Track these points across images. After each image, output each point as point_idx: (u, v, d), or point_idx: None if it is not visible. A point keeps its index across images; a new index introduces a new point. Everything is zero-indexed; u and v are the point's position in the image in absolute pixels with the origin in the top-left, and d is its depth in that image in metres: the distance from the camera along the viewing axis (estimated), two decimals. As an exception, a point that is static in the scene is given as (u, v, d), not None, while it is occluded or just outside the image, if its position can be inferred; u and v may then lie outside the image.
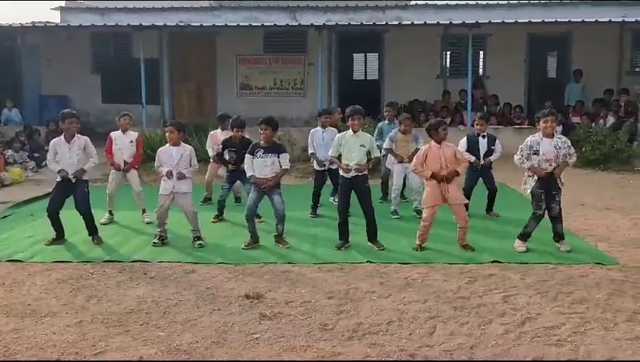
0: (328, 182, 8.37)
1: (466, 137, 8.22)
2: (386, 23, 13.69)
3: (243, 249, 6.57)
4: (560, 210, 6.45)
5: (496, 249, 6.54)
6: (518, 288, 5.36)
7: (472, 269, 5.90)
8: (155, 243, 6.77)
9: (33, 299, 5.13)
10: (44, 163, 11.95)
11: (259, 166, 6.57)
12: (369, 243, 6.63)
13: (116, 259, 6.27)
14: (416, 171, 6.73)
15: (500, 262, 6.10)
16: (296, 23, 14.37)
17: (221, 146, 7.95)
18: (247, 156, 6.65)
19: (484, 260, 6.17)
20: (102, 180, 10.11)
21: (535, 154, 6.34)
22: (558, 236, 6.55)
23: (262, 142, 6.61)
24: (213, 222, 7.86)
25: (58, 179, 6.82)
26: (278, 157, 6.58)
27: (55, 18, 16.67)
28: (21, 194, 9.81)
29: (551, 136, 6.35)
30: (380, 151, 8.47)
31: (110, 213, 7.92)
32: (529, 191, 6.45)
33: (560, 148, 6.32)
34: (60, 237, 6.86)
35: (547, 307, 4.92)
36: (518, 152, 6.46)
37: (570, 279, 5.59)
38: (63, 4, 16.99)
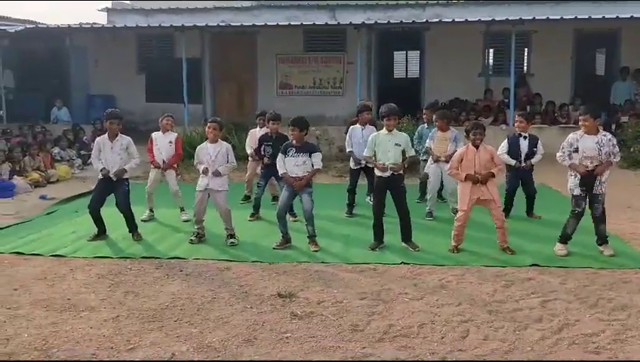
0: (363, 180, 8.32)
1: (506, 139, 8.02)
2: (426, 21, 13.49)
3: (274, 249, 6.61)
4: (603, 210, 6.24)
5: (535, 252, 6.38)
6: (557, 293, 5.22)
7: (510, 272, 5.76)
8: (192, 240, 6.87)
9: (73, 293, 5.29)
10: (89, 160, 12.33)
11: (290, 165, 6.58)
12: (403, 244, 6.57)
13: (154, 256, 6.40)
14: (452, 174, 6.64)
15: (539, 266, 5.95)
16: (336, 22, 14.34)
17: (258, 142, 8.02)
18: (280, 155, 6.69)
19: (522, 263, 6.03)
20: (143, 178, 10.33)
21: (575, 151, 6.15)
22: (602, 239, 6.33)
23: (294, 141, 6.64)
24: (249, 220, 7.92)
25: (100, 177, 7.01)
26: (310, 156, 6.57)
27: (102, 19, 17.17)
28: (67, 190, 10.13)
29: (594, 133, 6.15)
30: (420, 154, 8.40)
31: (151, 210, 8.09)
32: (572, 189, 6.27)
33: (603, 145, 6.09)
34: (101, 233, 7.05)
35: (586, 313, 4.77)
36: (560, 150, 6.29)
37: (613, 284, 5.40)
38: (109, 5, 17.47)
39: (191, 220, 7.67)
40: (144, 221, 7.77)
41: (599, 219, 6.26)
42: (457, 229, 6.45)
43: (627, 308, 4.83)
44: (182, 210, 8.06)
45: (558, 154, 6.31)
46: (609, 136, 6.26)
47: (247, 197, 9.08)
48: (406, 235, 6.58)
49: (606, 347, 4.18)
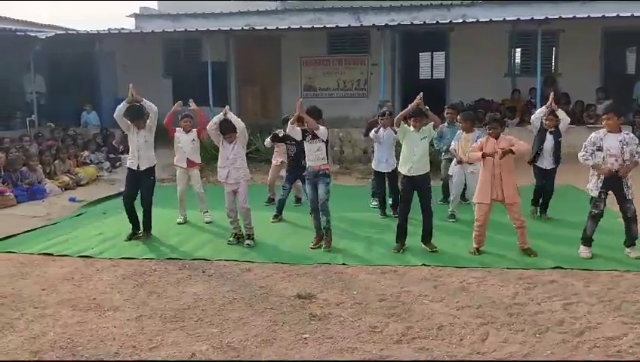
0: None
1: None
2: (450, 22, 13.40)
3: (311, 248, 6.68)
4: (635, 210, 6.12)
5: (559, 254, 6.30)
6: (580, 296, 5.15)
7: (532, 275, 5.71)
8: (230, 241, 6.99)
9: (99, 293, 5.42)
10: (118, 163, 12.61)
11: (309, 150, 6.70)
12: (422, 245, 6.56)
13: (178, 257, 6.51)
14: (471, 158, 6.69)
15: (563, 268, 5.88)
16: (359, 24, 14.34)
17: (281, 131, 8.03)
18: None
19: (545, 266, 5.96)
20: (169, 180, 10.52)
21: (599, 150, 6.06)
22: (631, 240, 6.21)
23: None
24: (272, 222, 7.99)
25: (127, 165, 7.23)
26: (323, 142, 6.66)
27: (130, 25, 17.48)
28: (95, 193, 10.35)
29: (617, 131, 6.06)
30: (442, 154, 8.44)
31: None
32: (592, 190, 6.19)
33: (627, 143, 6.01)
34: (136, 229, 7.19)
35: (609, 316, 4.70)
36: (582, 149, 6.21)
37: (637, 287, 5.31)
38: (137, 10, 17.79)
39: (213, 222, 7.84)
40: (180, 223, 7.93)
41: (632, 219, 6.14)
42: (478, 230, 6.41)
43: (652, 312, 4.76)
44: (205, 211, 8.17)
45: (580, 154, 6.22)
46: (631, 134, 6.21)
47: (270, 200, 9.15)
48: (426, 236, 6.58)
49: (628, 350, 4.12)
